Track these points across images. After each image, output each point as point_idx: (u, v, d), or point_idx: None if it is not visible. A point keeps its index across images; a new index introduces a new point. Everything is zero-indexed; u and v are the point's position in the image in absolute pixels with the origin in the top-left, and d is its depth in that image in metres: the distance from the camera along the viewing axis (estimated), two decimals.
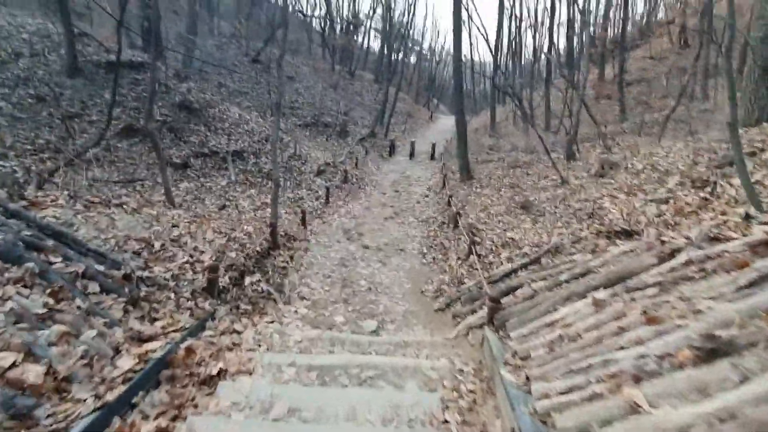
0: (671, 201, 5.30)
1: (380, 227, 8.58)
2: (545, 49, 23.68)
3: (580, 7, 21.50)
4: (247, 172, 10.11)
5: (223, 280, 4.23)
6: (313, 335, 3.76)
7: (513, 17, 23.44)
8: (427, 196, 11.64)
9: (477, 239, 5.78)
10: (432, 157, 17.43)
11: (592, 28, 25.29)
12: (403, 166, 15.72)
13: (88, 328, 2.82)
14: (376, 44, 33.49)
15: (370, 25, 31.48)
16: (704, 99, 15.62)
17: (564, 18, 25.06)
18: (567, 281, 3.50)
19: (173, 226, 4.77)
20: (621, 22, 21.14)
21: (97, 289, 3.33)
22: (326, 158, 12.30)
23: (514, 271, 4.66)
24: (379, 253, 7.08)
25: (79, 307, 2.93)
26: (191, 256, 4.30)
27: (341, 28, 26.74)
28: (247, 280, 4.56)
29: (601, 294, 2.97)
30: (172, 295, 3.64)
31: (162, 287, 3.66)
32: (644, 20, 28.26)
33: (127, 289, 3.38)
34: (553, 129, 17.99)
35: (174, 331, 3.26)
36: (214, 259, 4.41)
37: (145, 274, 3.67)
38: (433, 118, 33.35)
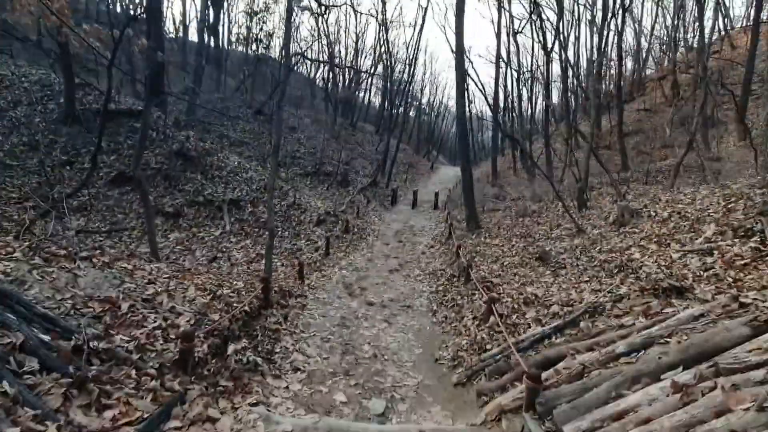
0: (715, 252, 4.70)
1: (384, 281, 7.88)
2: (541, 102, 24.28)
3: (571, 62, 22.31)
4: (243, 221, 9.60)
5: (201, 350, 3.51)
6: (307, 423, 2.99)
7: (510, 71, 24.26)
8: (432, 246, 11.04)
9: (495, 295, 5.10)
10: (435, 207, 17.05)
11: (584, 83, 26.21)
12: (406, 216, 15.27)
13: (9, 424, 2.12)
14: (376, 99, 34.64)
15: (371, 81, 32.78)
16: (706, 148, 15.55)
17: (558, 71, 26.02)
18: (626, 355, 2.81)
19: (149, 282, 4.12)
20: (617, 75, 21.84)
21: (36, 365, 2.64)
22: (326, 207, 11.86)
23: (548, 336, 3.95)
24: (384, 310, 6.34)
25: (4, 393, 2.24)
26: (165, 319, 3.62)
27: (343, 83, 27.71)
28: (231, 348, 3.83)
29: (682, 376, 2.28)
30: (133, 372, 2.92)
31: (121, 362, 2.95)
32: (635, 76, 29.32)
33: (72, 368, 2.68)
34: (556, 178, 17.82)
35: (127, 423, 2.53)
36: (192, 323, 3.73)
37: (102, 345, 2.97)
38: (434, 168, 33.62)
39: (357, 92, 30.02)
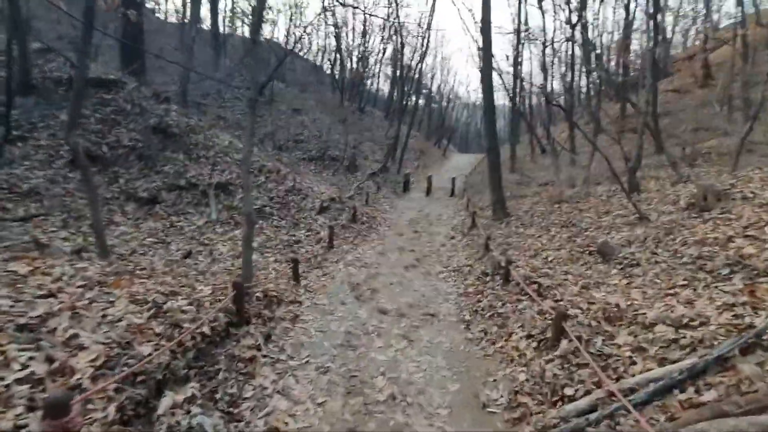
0: None
1: (400, 280, 6.40)
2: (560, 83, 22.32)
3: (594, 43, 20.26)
4: (232, 208, 8.16)
5: (105, 413, 2.07)
6: None
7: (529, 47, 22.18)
8: (453, 237, 9.50)
9: (564, 309, 3.57)
10: (452, 194, 15.46)
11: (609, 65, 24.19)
12: (421, 204, 13.72)
13: None
14: (386, 87, 32.54)
15: (380, 69, 30.85)
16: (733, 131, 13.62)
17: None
18: None
19: (46, 295, 2.68)
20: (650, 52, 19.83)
21: None
22: (331, 193, 10.37)
23: (676, 384, 2.42)
24: (401, 321, 4.86)
25: None
26: (50, 360, 2.18)
27: (351, 68, 25.99)
28: (165, 402, 2.38)
29: None
30: None
31: None
32: (660, 54, 26.97)
33: None
34: (581, 163, 16.01)
35: None
36: (99, 363, 2.28)
37: None
38: (447, 156, 31.91)
39: (365, 77, 28.22)
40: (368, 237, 9.18)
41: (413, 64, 19.92)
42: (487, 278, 6.18)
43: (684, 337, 2.87)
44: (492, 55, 10.77)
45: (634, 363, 2.82)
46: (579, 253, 6.27)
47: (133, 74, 9.08)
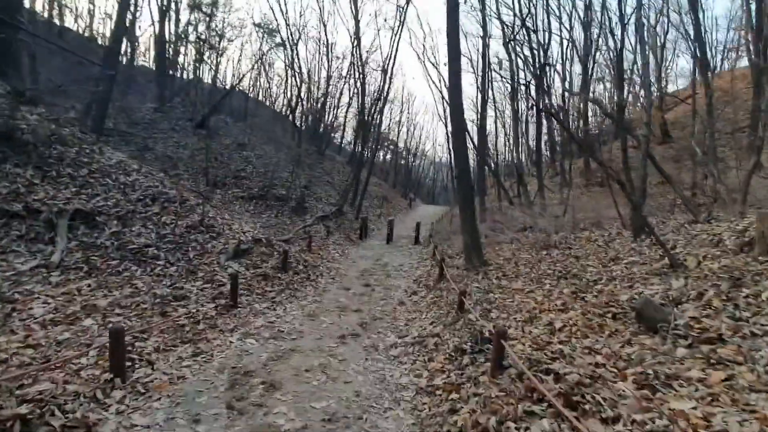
0: None
1: (325, 362, 3.93)
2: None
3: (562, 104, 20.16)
4: (92, 247, 5.56)
5: None
6: None
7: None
8: (415, 293, 7.21)
9: None
10: (416, 241, 13.37)
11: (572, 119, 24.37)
12: (379, 252, 11.47)
13: None
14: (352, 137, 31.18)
15: (345, 120, 29.84)
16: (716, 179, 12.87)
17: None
18: None
19: None
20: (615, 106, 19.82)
21: None
22: (257, 234, 7.95)
23: None
24: None
25: None
26: None
27: (311, 107, 24.60)
28: None
29: None
30: None
31: None
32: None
33: None
34: (553, 213, 14.57)
35: None
36: None
37: None
38: (413, 206, 30.47)
39: (328, 124, 26.89)
40: (300, 292, 6.71)
41: (375, 109, 18.60)
42: (464, 358, 3.85)
43: None
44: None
45: None
46: (599, 317, 4.12)
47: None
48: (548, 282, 5.87)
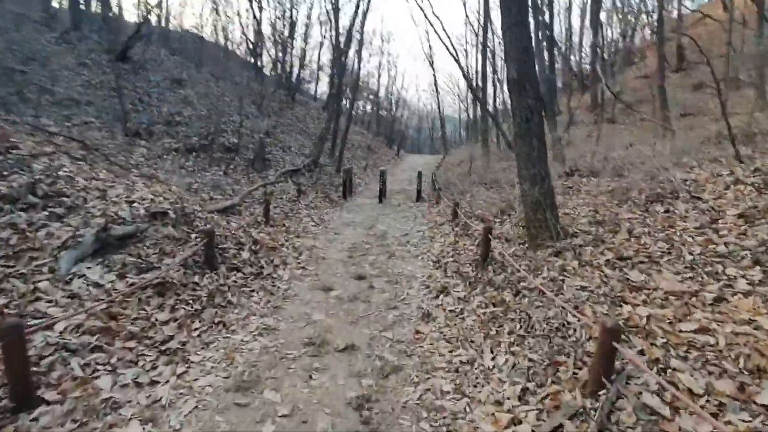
0: None
1: None
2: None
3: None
4: None
5: None
6: None
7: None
8: (445, 290, 4.13)
9: None
10: (418, 197, 10.22)
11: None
12: (371, 215, 8.31)
13: None
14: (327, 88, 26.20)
15: (319, 65, 24.98)
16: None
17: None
18: None
19: None
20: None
21: None
22: (171, 201, 4.60)
23: None
24: None
25: None
26: None
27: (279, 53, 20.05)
28: None
29: None
30: None
31: None
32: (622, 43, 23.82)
33: None
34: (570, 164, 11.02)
35: None
36: None
37: None
38: (401, 156, 27.05)
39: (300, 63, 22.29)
40: (236, 309, 3.55)
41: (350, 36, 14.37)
42: None
43: None
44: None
45: None
46: None
47: None
48: (734, 269, 2.85)
